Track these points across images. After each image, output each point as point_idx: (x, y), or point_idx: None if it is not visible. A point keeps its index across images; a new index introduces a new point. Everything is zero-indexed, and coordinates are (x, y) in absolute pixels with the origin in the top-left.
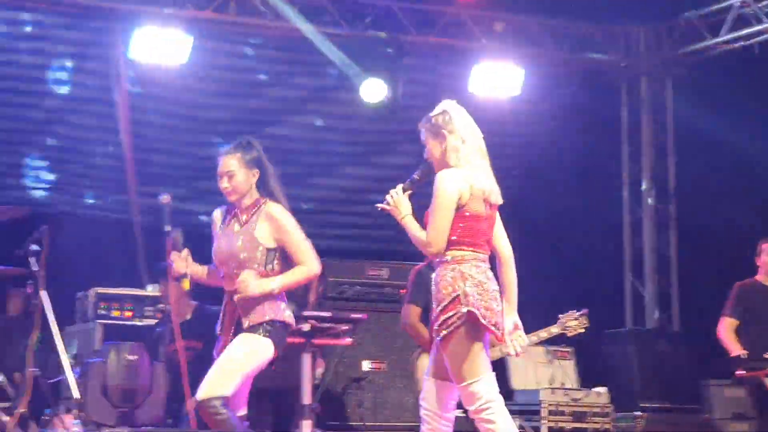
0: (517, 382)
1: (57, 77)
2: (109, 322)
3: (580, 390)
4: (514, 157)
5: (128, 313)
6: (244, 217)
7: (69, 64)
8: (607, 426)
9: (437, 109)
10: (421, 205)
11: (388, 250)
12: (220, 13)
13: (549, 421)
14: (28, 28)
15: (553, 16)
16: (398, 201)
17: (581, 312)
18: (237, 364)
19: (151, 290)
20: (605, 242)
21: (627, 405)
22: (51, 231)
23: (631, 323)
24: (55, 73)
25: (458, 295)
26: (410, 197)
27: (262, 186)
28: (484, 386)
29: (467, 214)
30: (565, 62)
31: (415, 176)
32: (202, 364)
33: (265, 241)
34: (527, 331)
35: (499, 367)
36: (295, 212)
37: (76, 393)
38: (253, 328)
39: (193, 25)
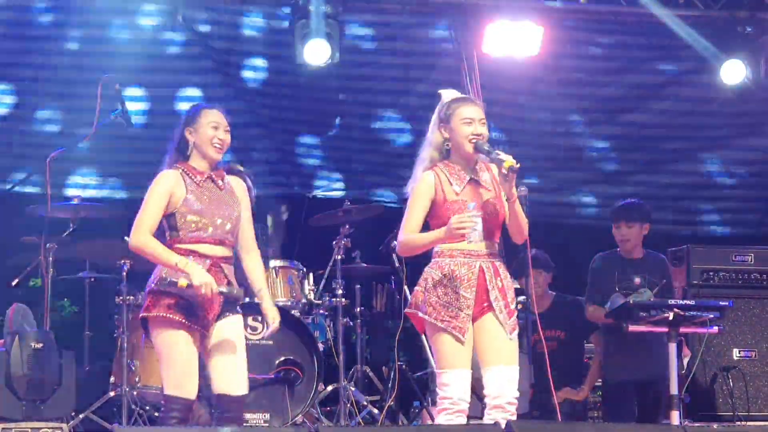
0: None
1: (412, 76)
2: None
3: None
4: None
5: None
6: (220, 182)
7: (423, 61)
8: None
9: None
10: None
11: (754, 235)
12: (570, 3)
13: None
14: (374, 30)
15: None
16: None
17: None
18: None
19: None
20: None
21: None
22: None
23: None
24: (409, 71)
25: None
26: None
27: None
28: None
29: None
30: None
31: None
32: (564, 354)
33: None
34: None
35: None
36: (654, 198)
37: None
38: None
39: (543, 15)
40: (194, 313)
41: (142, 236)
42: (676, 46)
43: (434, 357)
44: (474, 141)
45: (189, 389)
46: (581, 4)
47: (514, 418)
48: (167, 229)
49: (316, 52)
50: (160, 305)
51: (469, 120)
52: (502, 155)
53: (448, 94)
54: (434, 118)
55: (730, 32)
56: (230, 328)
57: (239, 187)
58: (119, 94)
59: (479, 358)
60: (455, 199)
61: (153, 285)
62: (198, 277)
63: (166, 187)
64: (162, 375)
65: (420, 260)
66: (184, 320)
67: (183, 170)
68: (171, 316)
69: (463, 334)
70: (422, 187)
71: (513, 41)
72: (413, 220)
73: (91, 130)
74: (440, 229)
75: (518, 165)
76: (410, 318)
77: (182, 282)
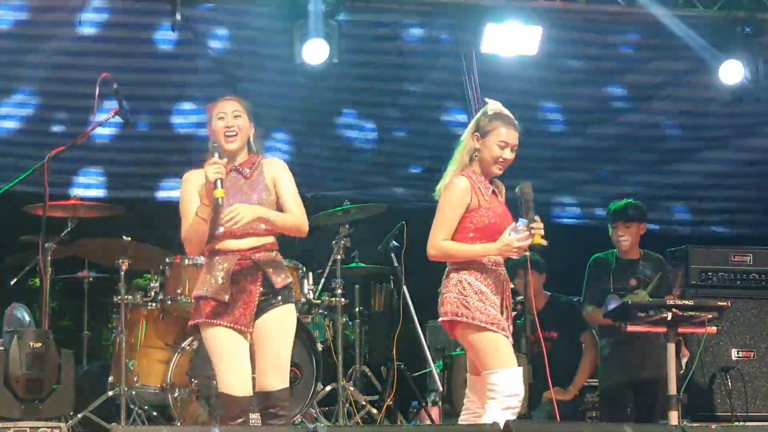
0: None
1: (412, 76)
2: None
3: None
4: None
5: None
6: (246, 171)
7: (422, 61)
8: None
9: None
10: None
11: (753, 236)
12: (569, 3)
13: None
14: (374, 30)
15: None
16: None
17: None
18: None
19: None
20: None
21: None
22: (410, 226)
23: None
24: (409, 71)
25: None
26: None
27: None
28: None
29: None
30: None
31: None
32: (557, 354)
33: (272, 192)
34: None
35: None
36: (654, 199)
37: (440, 386)
38: (286, 290)
39: (542, 15)
40: (231, 314)
41: (188, 246)
42: (675, 46)
43: (487, 357)
44: (501, 168)
45: (238, 386)
46: (581, 4)
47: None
48: None
49: (315, 52)
50: (202, 311)
51: (504, 144)
52: (536, 227)
53: (493, 106)
54: (473, 123)
55: (729, 32)
56: (273, 322)
57: (272, 169)
58: (118, 93)
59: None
60: (487, 206)
61: (195, 290)
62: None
63: (191, 185)
64: (216, 376)
65: (419, 261)
66: (221, 322)
67: None
68: (212, 320)
69: (508, 335)
70: (459, 194)
71: (512, 41)
72: (449, 227)
73: (88, 129)
74: (491, 245)
75: (544, 245)
76: (445, 325)
77: (219, 194)
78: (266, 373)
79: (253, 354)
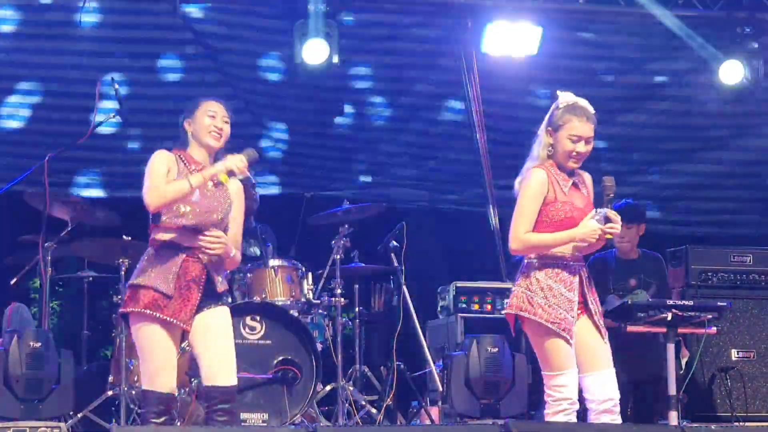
0: None
1: (411, 76)
2: (470, 315)
3: None
4: None
5: (488, 306)
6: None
7: (422, 61)
8: None
9: None
10: None
11: (753, 236)
12: (569, 3)
13: None
14: (373, 30)
15: None
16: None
17: None
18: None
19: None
20: None
21: None
22: (410, 227)
23: None
24: (409, 71)
25: None
26: None
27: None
28: None
29: None
30: None
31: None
32: None
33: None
34: None
35: None
36: (654, 199)
37: (440, 386)
38: (225, 296)
39: (542, 15)
40: (171, 308)
41: (156, 193)
42: (675, 46)
43: (545, 359)
44: (577, 162)
45: (163, 383)
46: (580, 4)
47: (620, 420)
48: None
49: (315, 52)
50: (138, 300)
51: (577, 137)
52: (611, 226)
53: (564, 98)
54: (547, 117)
55: (729, 32)
56: (214, 319)
57: (234, 186)
58: (117, 94)
59: (578, 362)
60: (564, 200)
61: (133, 279)
62: (220, 166)
63: (163, 160)
64: (140, 370)
65: (419, 261)
66: (161, 315)
67: (179, 156)
68: (148, 311)
69: (571, 336)
70: (537, 186)
71: (512, 41)
72: (529, 219)
73: (88, 129)
74: (574, 230)
75: (609, 236)
76: (509, 318)
77: (223, 178)
78: (216, 369)
79: (194, 352)
